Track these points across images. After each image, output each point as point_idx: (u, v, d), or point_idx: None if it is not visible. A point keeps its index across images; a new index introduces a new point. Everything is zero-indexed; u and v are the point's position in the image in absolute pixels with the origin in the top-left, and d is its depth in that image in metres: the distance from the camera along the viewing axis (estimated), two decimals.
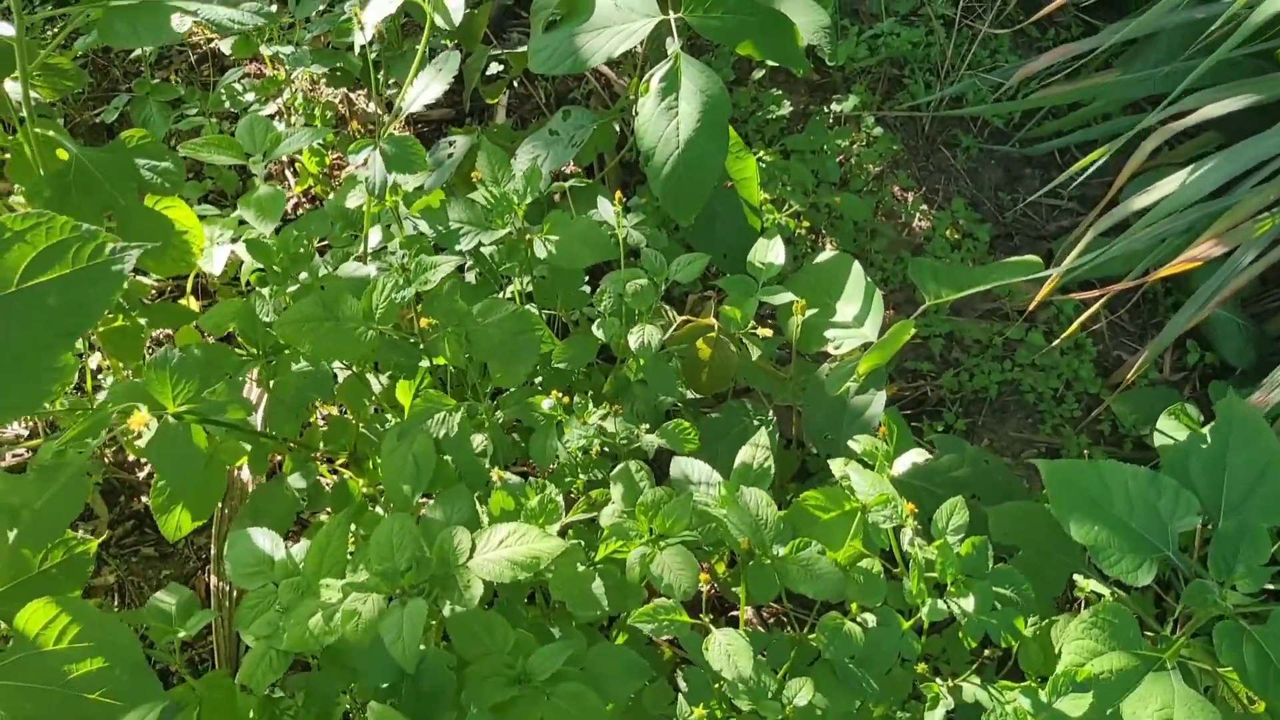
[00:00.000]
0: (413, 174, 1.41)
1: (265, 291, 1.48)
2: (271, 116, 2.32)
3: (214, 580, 1.74)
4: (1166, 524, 1.45)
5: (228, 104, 2.21)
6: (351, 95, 2.48)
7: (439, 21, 1.37)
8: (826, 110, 2.49)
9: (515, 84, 2.56)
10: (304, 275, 1.55)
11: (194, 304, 1.99)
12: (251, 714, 1.34)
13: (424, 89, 1.50)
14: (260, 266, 1.57)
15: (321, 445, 1.60)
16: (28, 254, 0.99)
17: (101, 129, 2.43)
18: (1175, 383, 2.19)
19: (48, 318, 1.01)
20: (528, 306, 1.73)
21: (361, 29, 1.38)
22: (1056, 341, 2.11)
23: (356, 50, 1.60)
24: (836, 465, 1.43)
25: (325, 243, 1.90)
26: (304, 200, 2.29)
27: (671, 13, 1.76)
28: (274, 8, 2.30)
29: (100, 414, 1.16)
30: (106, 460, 1.92)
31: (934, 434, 2.03)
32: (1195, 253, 1.82)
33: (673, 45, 2.21)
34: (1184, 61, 2.16)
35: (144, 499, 1.94)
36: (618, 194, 1.49)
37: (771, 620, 1.89)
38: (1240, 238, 1.84)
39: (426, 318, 1.31)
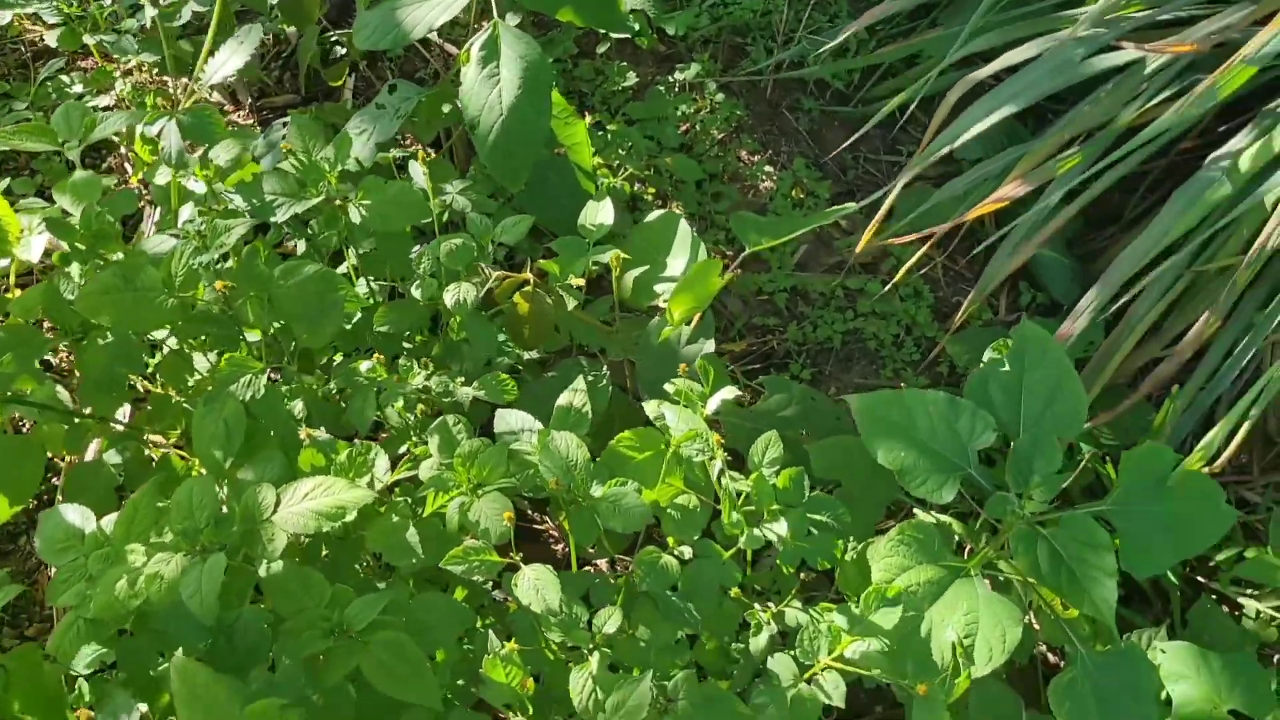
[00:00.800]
0: (211, 143, 1.41)
1: (71, 270, 1.47)
2: (107, 109, 2.29)
3: (54, 573, 1.71)
4: (966, 443, 1.52)
5: (55, 97, 2.17)
6: (195, 86, 2.45)
7: None
8: (671, 80, 2.54)
9: (362, 68, 2.56)
10: (118, 255, 1.53)
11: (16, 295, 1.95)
12: (79, 689, 1.34)
13: (225, 60, 1.50)
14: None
15: (147, 426, 1.59)
16: None
17: None
18: (1010, 322, 2.29)
19: None
20: (361, 280, 1.75)
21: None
22: (888, 286, 2.19)
23: (149, 22, 1.59)
24: (650, 406, 1.47)
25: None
26: (142, 189, 2.26)
27: None
28: None
29: None
30: None
31: None
32: (1002, 193, 1.90)
33: (514, 19, 2.24)
34: (998, 14, 2.25)
35: None
36: (420, 153, 1.51)
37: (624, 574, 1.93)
38: (1045, 176, 1.93)
39: (222, 281, 1.32)
